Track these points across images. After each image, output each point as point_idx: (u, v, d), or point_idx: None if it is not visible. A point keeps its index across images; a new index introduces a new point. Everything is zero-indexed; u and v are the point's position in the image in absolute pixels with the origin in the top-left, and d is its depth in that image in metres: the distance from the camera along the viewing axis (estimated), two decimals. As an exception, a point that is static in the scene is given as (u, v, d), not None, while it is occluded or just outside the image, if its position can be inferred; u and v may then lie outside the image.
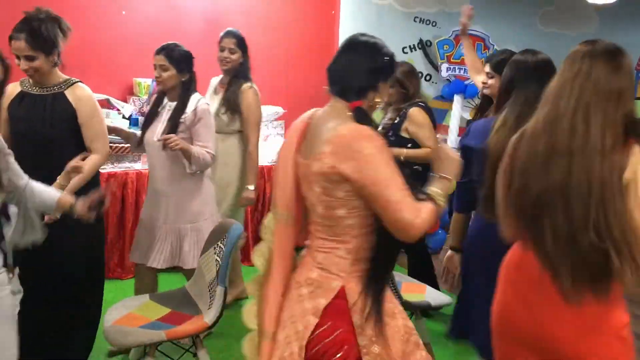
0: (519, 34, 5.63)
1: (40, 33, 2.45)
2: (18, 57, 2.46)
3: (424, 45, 5.60)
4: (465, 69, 5.23)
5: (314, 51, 5.24)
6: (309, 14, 5.24)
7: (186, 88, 2.94)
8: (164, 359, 2.68)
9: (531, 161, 1.62)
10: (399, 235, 1.61)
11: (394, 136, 3.48)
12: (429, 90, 5.59)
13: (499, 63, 2.95)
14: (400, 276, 3.20)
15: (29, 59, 2.47)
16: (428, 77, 5.64)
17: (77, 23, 4.28)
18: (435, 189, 1.68)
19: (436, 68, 5.62)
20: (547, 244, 1.60)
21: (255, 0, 5.03)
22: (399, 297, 2.77)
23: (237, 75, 3.50)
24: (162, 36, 3.58)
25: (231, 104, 3.45)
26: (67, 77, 2.64)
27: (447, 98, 5.60)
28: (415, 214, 1.57)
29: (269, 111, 4.93)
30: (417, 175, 2.92)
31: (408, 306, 2.79)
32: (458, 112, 5.47)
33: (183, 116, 2.89)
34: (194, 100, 2.93)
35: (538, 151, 1.61)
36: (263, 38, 5.06)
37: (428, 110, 3.54)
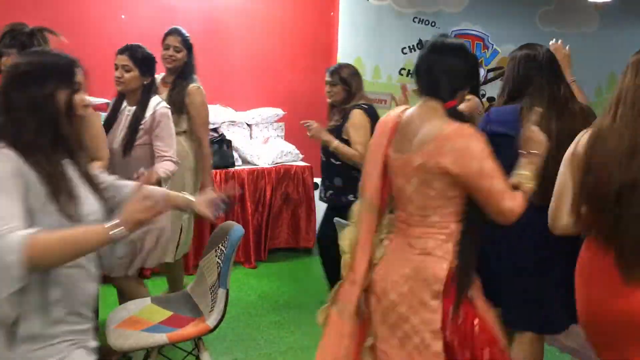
0: (518, 34, 5.62)
1: (32, 47, 2.39)
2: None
3: (423, 46, 5.58)
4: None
5: (313, 52, 5.23)
6: (308, 14, 5.24)
7: (146, 92, 2.85)
8: (166, 362, 2.68)
9: (612, 157, 1.76)
10: (499, 220, 1.80)
11: (338, 138, 3.35)
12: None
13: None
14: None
15: None
16: (428, 77, 5.64)
17: (77, 27, 4.34)
18: (524, 172, 1.84)
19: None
20: (622, 233, 1.74)
21: (255, 2, 5.03)
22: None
23: (181, 74, 3.44)
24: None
25: (177, 104, 3.34)
26: None
27: (447, 98, 5.60)
28: (514, 201, 1.77)
29: (268, 113, 4.92)
30: (354, 180, 2.96)
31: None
32: (458, 112, 5.47)
33: (142, 121, 2.81)
34: (153, 103, 2.85)
35: (620, 148, 1.75)
36: (262, 39, 5.06)
37: (371, 114, 3.40)
